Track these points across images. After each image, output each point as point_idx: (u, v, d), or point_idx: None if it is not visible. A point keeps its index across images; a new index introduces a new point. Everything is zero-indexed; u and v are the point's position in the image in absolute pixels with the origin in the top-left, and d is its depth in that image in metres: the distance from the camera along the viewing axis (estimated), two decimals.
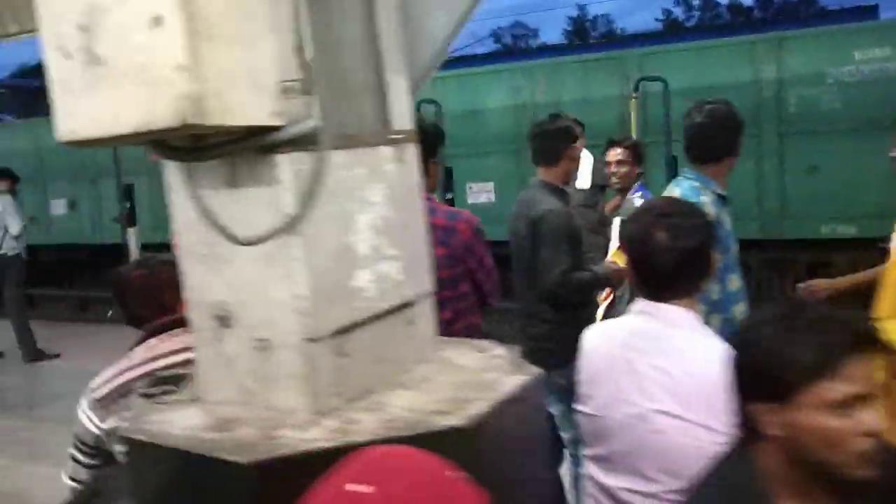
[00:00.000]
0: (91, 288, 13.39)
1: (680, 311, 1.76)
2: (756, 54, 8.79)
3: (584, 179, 6.47)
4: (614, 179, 4.85)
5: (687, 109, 3.22)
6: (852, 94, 8.33)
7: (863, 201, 8.34)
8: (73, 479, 2.11)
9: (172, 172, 1.45)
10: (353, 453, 1.01)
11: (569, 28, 49.76)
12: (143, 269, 2.27)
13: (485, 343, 1.82)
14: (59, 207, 13.81)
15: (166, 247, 11.38)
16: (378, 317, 1.54)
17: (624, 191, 4.81)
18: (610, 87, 9.44)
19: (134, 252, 11.76)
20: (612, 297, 4.43)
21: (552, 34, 50.05)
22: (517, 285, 3.25)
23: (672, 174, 8.33)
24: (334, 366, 1.43)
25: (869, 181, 8.26)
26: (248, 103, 1.26)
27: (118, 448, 1.99)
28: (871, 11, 16.72)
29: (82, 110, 1.25)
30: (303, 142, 1.36)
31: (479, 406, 1.40)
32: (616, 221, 4.84)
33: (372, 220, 1.53)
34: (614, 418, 1.78)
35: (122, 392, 2.02)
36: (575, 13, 49.72)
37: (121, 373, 2.08)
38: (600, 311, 4.46)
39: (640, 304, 1.82)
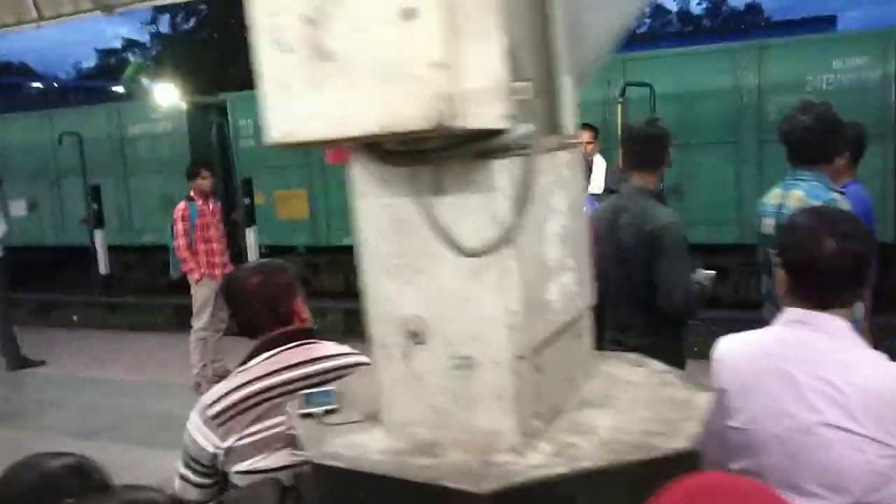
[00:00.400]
0: (54, 292, 12.96)
1: (839, 321, 1.72)
2: (738, 62, 8.90)
3: (596, 184, 6.49)
4: None
5: (788, 113, 3.26)
6: (831, 102, 8.48)
7: None
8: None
9: (363, 177, 1.35)
10: (668, 485, 0.93)
11: None
12: (259, 274, 2.13)
13: (632, 356, 1.75)
14: (18, 209, 13.30)
15: (134, 249, 10.96)
16: (561, 331, 1.46)
17: None
18: (592, 93, 9.45)
19: (101, 254, 11.40)
20: None
21: None
22: (611, 296, 3.15)
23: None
24: (534, 384, 1.35)
25: None
26: (487, 105, 1.17)
27: (236, 468, 1.87)
28: (830, 22, 17.21)
29: (303, 110, 1.15)
30: (515, 147, 1.27)
31: (691, 425, 1.34)
32: None
33: (558, 229, 1.45)
34: (770, 431, 1.72)
35: (242, 408, 1.90)
36: None
37: (238, 387, 1.94)
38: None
39: (792, 313, 1.77)
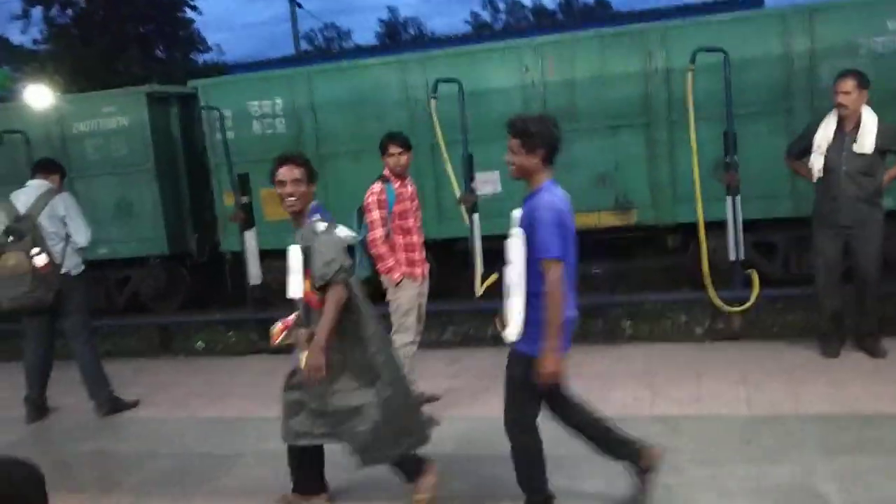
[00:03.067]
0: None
1: None
2: (787, 26, 8.42)
3: (865, 143, 5.67)
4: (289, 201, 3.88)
5: None
6: (885, 64, 8.15)
7: None
8: None
9: None
10: None
11: (381, 31, 49.77)
12: None
13: None
14: None
15: (84, 264, 9.00)
16: None
17: (296, 215, 3.93)
18: (630, 64, 8.77)
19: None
20: None
21: (365, 36, 50.18)
22: None
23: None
24: None
25: None
26: None
27: None
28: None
29: None
30: None
31: None
32: None
33: None
34: None
35: None
36: (386, 16, 50.32)
37: None
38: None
39: None
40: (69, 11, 28.67)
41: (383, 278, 5.35)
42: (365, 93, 9.48)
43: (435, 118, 7.99)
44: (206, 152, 10.23)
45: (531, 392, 3.54)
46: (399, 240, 5.30)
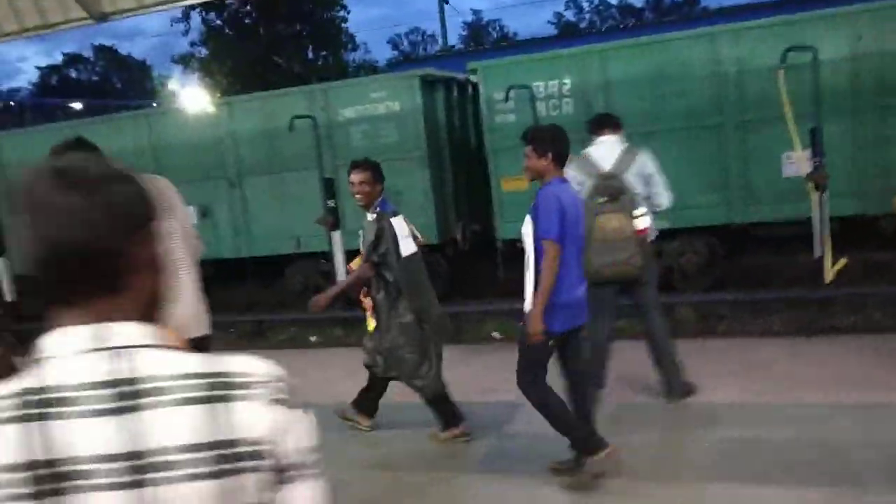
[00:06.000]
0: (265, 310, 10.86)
1: None
2: None
3: None
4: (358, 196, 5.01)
5: None
6: None
7: None
8: None
9: None
10: None
11: (464, 33, 49.87)
12: None
13: None
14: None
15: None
16: None
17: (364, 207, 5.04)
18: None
19: (339, 260, 9.42)
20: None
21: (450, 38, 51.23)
22: None
23: None
24: None
25: None
26: None
27: None
28: None
29: None
30: None
31: None
32: None
33: None
34: None
35: None
36: (470, 18, 50.67)
37: None
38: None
39: None
40: (224, 14, 29.11)
41: None
42: (666, 69, 8.85)
43: (783, 91, 7.29)
44: (483, 136, 9.80)
45: (534, 357, 4.12)
46: None
